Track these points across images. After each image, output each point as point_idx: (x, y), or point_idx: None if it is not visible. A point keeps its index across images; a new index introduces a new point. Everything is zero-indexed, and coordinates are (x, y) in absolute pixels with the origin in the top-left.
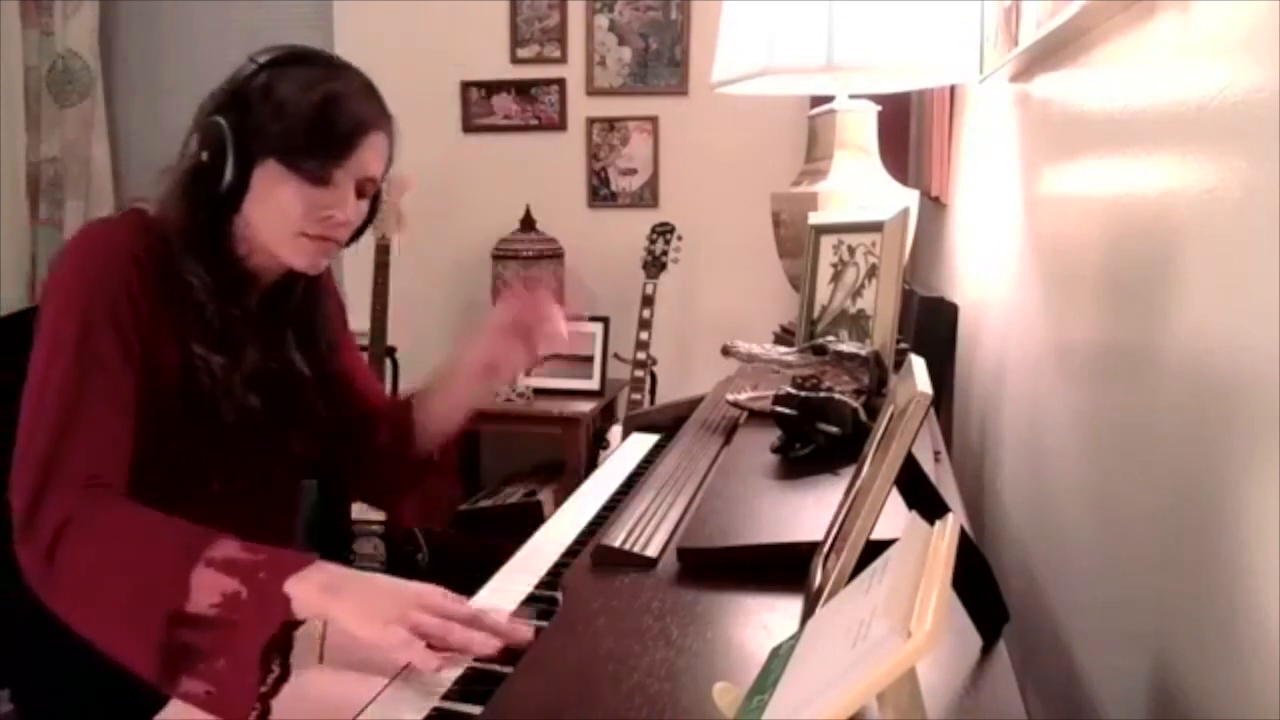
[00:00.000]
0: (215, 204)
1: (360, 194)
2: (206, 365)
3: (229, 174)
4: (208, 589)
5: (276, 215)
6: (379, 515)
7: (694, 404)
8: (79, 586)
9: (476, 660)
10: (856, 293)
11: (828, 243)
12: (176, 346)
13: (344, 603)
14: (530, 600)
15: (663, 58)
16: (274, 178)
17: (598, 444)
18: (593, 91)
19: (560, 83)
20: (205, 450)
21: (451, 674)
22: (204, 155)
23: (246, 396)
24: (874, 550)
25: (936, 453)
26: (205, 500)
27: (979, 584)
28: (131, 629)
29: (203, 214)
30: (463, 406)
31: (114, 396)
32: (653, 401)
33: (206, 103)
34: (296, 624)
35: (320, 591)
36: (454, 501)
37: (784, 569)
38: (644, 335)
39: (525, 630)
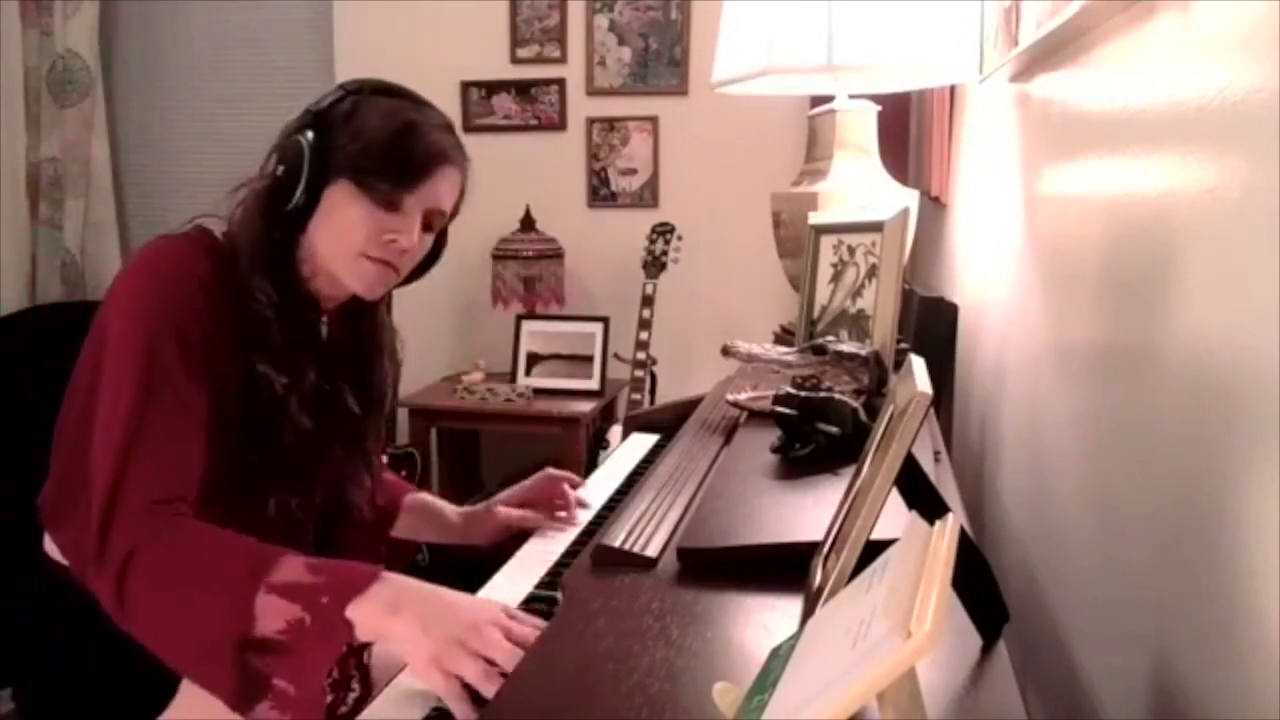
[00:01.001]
0: (286, 222)
1: (427, 226)
2: (269, 384)
3: (301, 190)
4: (272, 615)
5: (341, 234)
6: None
7: (694, 404)
8: (149, 616)
9: None
10: (856, 293)
11: (828, 243)
12: (240, 369)
13: (400, 625)
14: (530, 600)
15: (663, 58)
16: (344, 197)
17: (598, 444)
18: (593, 91)
19: (560, 83)
20: (264, 472)
21: None
22: (280, 170)
23: (301, 417)
24: (874, 550)
25: (936, 453)
26: (262, 523)
27: (979, 584)
28: (204, 656)
29: (276, 232)
30: (450, 539)
31: (182, 412)
32: (653, 401)
33: (290, 124)
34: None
35: (382, 613)
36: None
37: (784, 569)
38: (644, 335)
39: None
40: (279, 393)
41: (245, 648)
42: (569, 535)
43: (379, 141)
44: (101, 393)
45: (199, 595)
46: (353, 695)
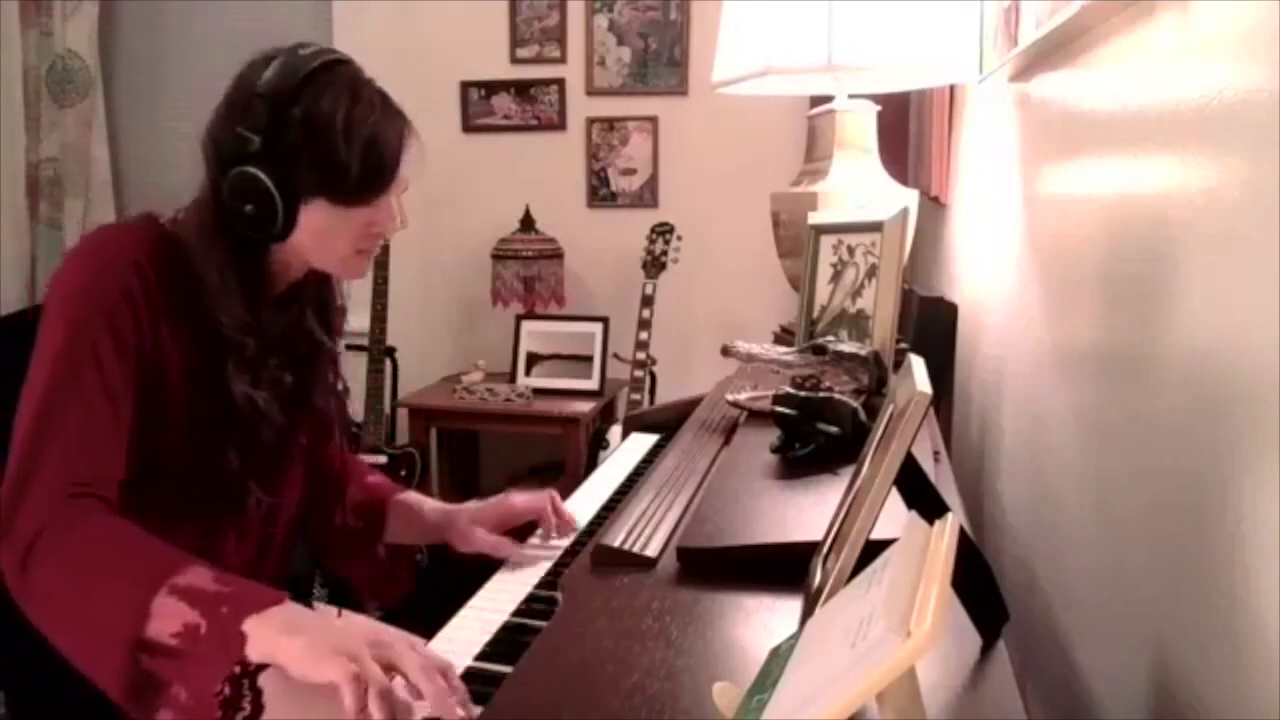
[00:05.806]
0: (260, 245)
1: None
2: (249, 400)
3: (280, 221)
4: (169, 617)
5: (332, 243)
6: None
7: (694, 404)
8: (47, 600)
9: (475, 660)
10: (856, 293)
11: (827, 243)
12: (180, 355)
13: (294, 643)
14: (530, 600)
15: (662, 58)
16: (324, 212)
17: (598, 444)
18: (592, 91)
19: (560, 83)
20: (244, 470)
21: None
22: (248, 208)
23: (280, 415)
24: (874, 550)
25: (936, 453)
26: (241, 522)
27: (979, 584)
28: (97, 650)
29: (246, 254)
30: (431, 539)
31: (106, 400)
32: (653, 401)
33: (219, 132)
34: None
35: (277, 632)
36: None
37: (784, 569)
38: (644, 335)
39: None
40: (261, 406)
41: (139, 648)
42: (570, 535)
43: (349, 164)
44: (29, 373)
45: (100, 585)
46: (242, 715)
